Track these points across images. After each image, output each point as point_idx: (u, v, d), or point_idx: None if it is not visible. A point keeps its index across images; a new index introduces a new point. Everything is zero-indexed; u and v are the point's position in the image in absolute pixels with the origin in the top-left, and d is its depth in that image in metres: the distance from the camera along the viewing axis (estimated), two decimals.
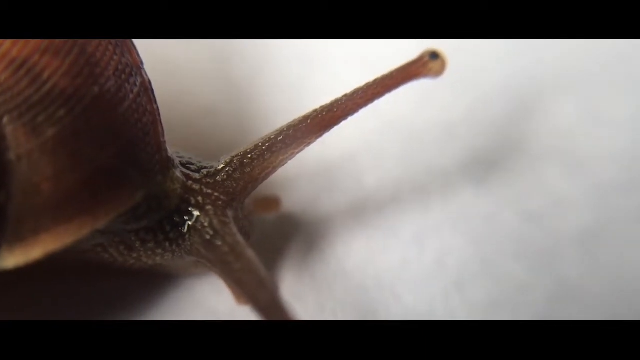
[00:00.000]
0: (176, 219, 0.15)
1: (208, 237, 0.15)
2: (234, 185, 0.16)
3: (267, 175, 0.16)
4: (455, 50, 0.19)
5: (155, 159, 0.15)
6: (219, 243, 0.15)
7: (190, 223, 0.15)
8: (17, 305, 0.17)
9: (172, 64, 0.20)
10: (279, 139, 0.16)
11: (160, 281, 0.18)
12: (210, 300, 0.18)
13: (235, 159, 0.16)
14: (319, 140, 0.18)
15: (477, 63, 0.20)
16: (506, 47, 0.20)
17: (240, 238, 0.15)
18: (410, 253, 0.18)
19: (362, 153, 0.19)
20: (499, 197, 0.18)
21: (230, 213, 0.15)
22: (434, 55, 0.16)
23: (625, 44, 0.20)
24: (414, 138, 0.20)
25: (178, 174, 0.15)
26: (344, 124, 0.20)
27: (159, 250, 0.16)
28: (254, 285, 0.14)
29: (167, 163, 0.15)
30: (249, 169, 0.16)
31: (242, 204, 0.16)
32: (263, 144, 0.16)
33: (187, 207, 0.15)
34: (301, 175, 0.19)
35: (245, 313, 0.17)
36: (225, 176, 0.16)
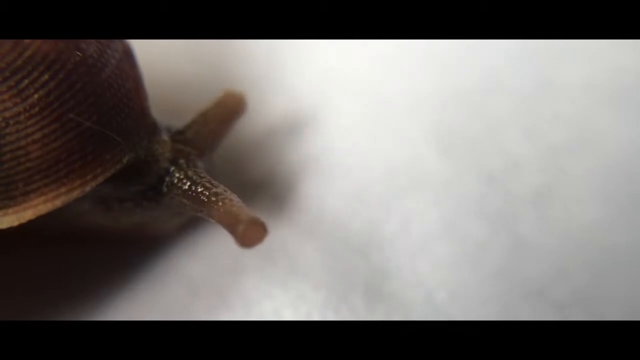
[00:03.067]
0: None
1: (186, 187, 0.15)
2: (203, 139, 0.16)
3: (234, 125, 0.17)
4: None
5: (141, 124, 0.15)
6: (200, 189, 0.15)
7: (166, 179, 0.16)
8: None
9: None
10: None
11: (135, 248, 0.18)
12: (185, 265, 0.18)
13: (199, 117, 0.16)
14: (290, 107, 0.18)
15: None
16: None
17: (217, 183, 0.15)
18: (377, 216, 0.19)
19: (332, 121, 0.20)
20: (460, 162, 0.19)
21: (201, 164, 0.16)
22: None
23: None
24: (381, 107, 0.20)
25: (165, 137, 0.16)
26: (314, 92, 0.20)
27: (138, 210, 0.16)
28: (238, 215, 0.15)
29: (153, 127, 0.16)
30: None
31: (211, 156, 0.17)
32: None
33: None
34: (271, 143, 0.20)
35: (218, 277, 0.18)
36: (194, 133, 0.16)
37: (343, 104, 0.20)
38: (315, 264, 0.18)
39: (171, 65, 0.20)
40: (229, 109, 0.17)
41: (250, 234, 0.14)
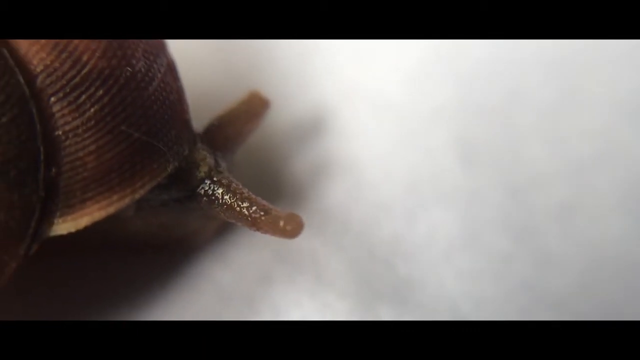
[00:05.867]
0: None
1: (219, 194, 0.16)
2: (224, 139, 0.17)
3: (256, 127, 0.18)
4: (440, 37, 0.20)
5: (183, 134, 0.16)
6: (231, 197, 0.16)
7: (203, 186, 0.16)
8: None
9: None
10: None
11: (168, 256, 0.18)
12: (215, 273, 0.19)
13: (223, 116, 0.17)
14: (315, 119, 0.19)
15: (462, 48, 0.21)
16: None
17: (238, 183, 0.16)
18: (402, 227, 0.19)
19: (356, 134, 0.20)
20: (484, 174, 0.20)
21: (223, 164, 0.17)
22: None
23: None
24: (406, 119, 0.20)
25: (202, 146, 0.16)
26: (338, 107, 0.21)
27: (162, 208, 0.17)
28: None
29: (193, 137, 0.16)
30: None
31: (232, 155, 0.17)
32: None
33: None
34: (298, 157, 0.20)
35: (247, 285, 0.18)
36: (214, 134, 0.17)
37: (368, 116, 0.21)
38: (342, 273, 0.19)
39: (200, 66, 0.20)
40: (252, 110, 0.17)
41: (291, 226, 0.15)
